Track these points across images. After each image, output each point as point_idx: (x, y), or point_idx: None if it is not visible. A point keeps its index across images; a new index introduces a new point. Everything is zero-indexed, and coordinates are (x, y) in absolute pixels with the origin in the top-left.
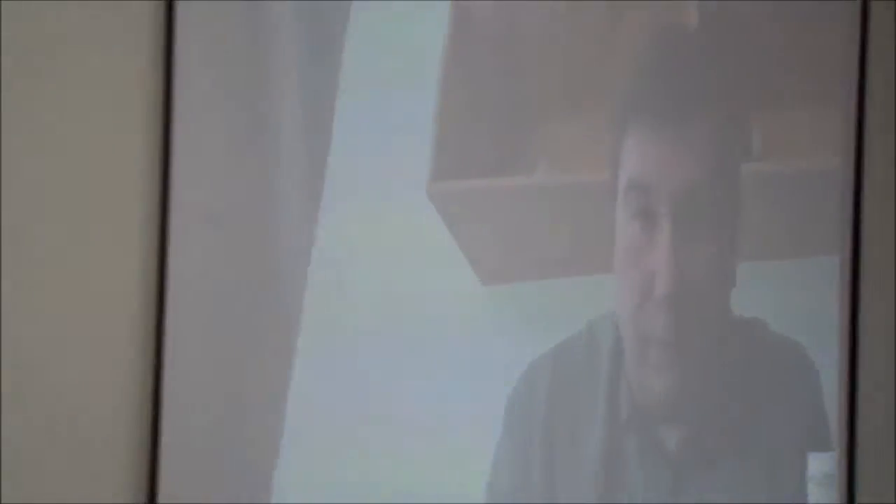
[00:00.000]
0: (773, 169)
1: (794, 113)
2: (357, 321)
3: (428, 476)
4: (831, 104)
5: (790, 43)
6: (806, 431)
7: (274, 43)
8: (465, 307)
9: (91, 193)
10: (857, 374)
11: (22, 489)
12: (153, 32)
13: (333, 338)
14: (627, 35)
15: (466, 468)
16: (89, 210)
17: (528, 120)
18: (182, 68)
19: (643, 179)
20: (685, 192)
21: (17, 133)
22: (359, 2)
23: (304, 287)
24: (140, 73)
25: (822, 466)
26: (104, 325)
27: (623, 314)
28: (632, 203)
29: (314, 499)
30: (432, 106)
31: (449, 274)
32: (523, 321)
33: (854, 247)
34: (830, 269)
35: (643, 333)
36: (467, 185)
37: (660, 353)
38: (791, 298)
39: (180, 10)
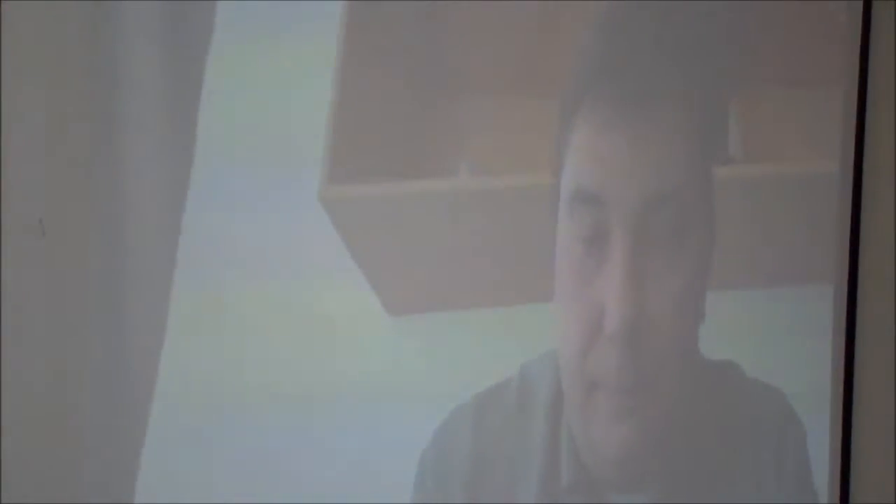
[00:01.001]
0: (755, 174)
1: (781, 103)
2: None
3: None
4: (827, 93)
5: (777, 17)
6: (792, 499)
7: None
8: (366, 343)
9: None
10: (852, 432)
11: None
12: None
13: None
14: (576, 4)
15: None
16: None
17: (446, 110)
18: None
19: (593, 188)
20: (646, 204)
21: None
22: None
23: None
24: None
25: None
26: None
27: (566, 354)
28: (578, 218)
29: None
30: (324, 94)
31: (345, 302)
32: (438, 362)
33: (851, 273)
34: (822, 300)
35: (590, 378)
36: (369, 191)
37: (611, 402)
38: (772, 337)
39: (5, 9)
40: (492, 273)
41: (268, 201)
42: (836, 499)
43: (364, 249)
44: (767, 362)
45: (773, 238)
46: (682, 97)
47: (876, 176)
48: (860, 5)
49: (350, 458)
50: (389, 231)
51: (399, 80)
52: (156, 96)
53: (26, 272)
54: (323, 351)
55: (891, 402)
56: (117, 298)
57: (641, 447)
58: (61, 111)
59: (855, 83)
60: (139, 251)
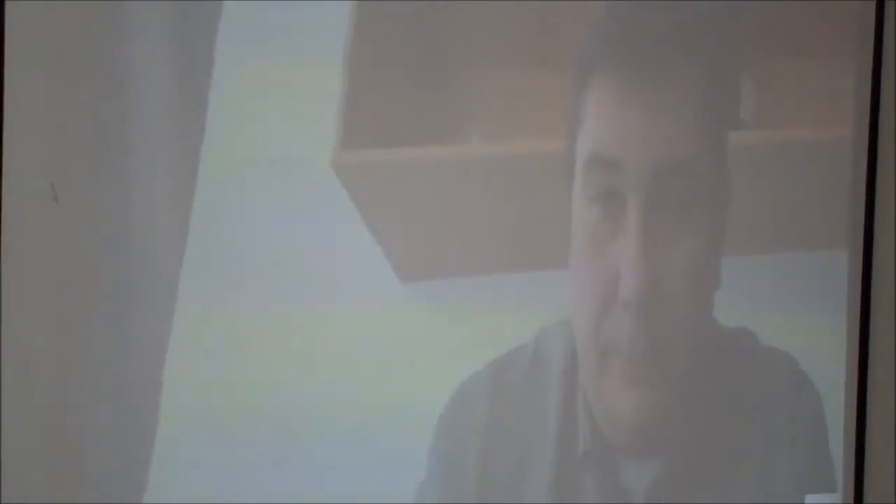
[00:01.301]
0: (769, 139)
1: (795, 68)
2: (242, 322)
3: None
4: (841, 58)
5: None
6: (805, 467)
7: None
8: (379, 310)
9: None
10: (868, 397)
11: None
12: None
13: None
14: None
15: None
16: None
17: (458, 74)
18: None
19: (607, 153)
20: (659, 169)
21: None
22: None
23: (177, 285)
24: None
25: None
26: None
27: (580, 321)
28: (593, 182)
29: None
30: (337, 60)
31: (358, 268)
32: (453, 329)
33: (867, 239)
34: (836, 266)
35: (605, 345)
36: (382, 156)
37: (626, 369)
38: (787, 303)
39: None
40: (505, 239)
41: (276, 203)
42: (852, 465)
43: (376, 216)
44: (782, 329)
45: (787, 204)
46: (696, 64)
47: (891, 140)
48: None
49: (365, 427)
50: (403, 197)
51: (411, 51)
52: (164, 96)
53: (30, 274)
54: (336, 319)
55: None
56: (123, 299)
57: (655, 413)
58: (66, 111)
59: (870, 51)
60: (146, 253)
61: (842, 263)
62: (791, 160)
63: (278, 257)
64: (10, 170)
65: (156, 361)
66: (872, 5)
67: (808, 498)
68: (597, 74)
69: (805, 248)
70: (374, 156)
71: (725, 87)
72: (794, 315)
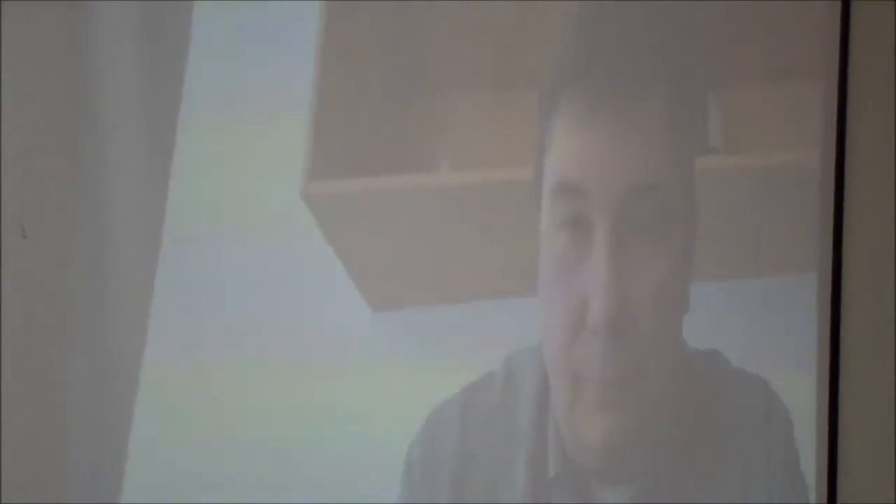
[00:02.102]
0: (736, 164)
1: (761, 92)
2: (213, 344)
3: None
4: (807, 84)
5: (757, 8)
6: (779, 489)
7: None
8: (350, 339)
9: None
10: (839, 418)
11: None
12: None
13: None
14: None
15: None
16: None
17: (424, 106)
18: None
19: (574, 179)
20: (627, 194)
21: None
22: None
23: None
24: None
25: None
26: None
27: (549, 347)
28: (560, 209)
29: None
30: (306, 90)
31: (329, 298)
32: (423, 356)
33: (835, 263)
34: (806, 289)
35: (576, 371)
36: (351, 186)
37: (597, 394)
38: (757, 326)
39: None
40: (474, 267)
41: (249, 199)
42: (825, 486)
43: (346, 245)
44: (752, 352)
45: (756, 228)
46: (662, 89)
47: (857, 165)
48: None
49: (337, 453)
50: (372, 226)
51: (377, 78)
52: (135, 101)
53: (6, 281)
54: (306, 348)
55: (877, 389)
56: (99, 305)
57: (627, 439)
58: (40, 117)
59: (835, 75)
60: (120, 257)
61: (811, 286)
62: (759, 184)
63: (250, 284)
64: None
65: (132, 366)
66: (838, 30)
67: None
68: (563, 99)
69: (774, 272)
70: (344, 186)
71: (692, 111)
72: (763, 338)
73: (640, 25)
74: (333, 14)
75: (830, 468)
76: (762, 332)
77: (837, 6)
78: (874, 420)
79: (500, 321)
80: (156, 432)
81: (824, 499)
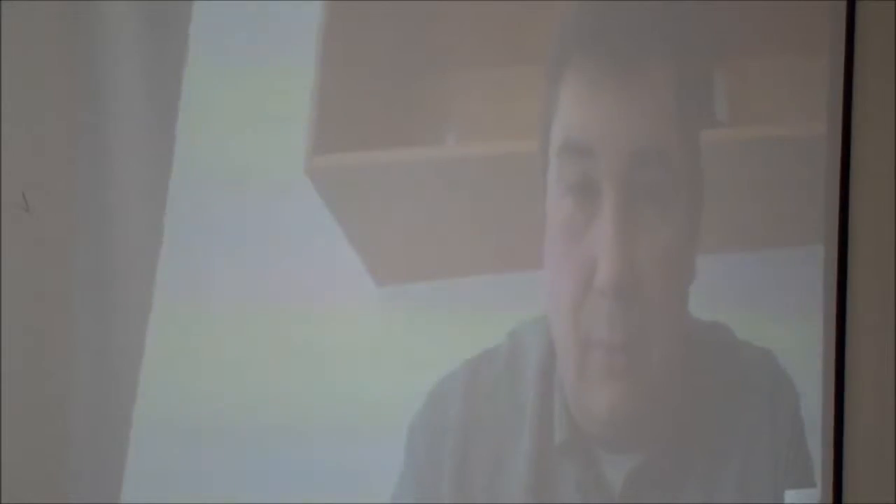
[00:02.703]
0: (743, 136)
1: (768, 65)
2: (218, 326)
3: None
4: (813, 56)
5: None
6: (782, 461)
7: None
8: (355, 313)
9: None
10: (845, 389)
11: None
12: None
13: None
14: None
15: None
16: None
17: (432, 74)
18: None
19: (582, 140)
20: (634, 159)
21: None
22: None
23: (153, 288)
24: None
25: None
26: None
27: (556, 313)
28: (567, 170)
29: None
30: (308, 63)
31: (333, 271)
32: (428, 330)
33: (841, 234)
34: (812, 261)
35: (583, 335)
36: (355, 160)
37: (604, 362)
38: (763, 298)
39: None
40: (481, 241)
41: (250, 208)
42: (830, 459)
43: (351, 219)
44: (758, 324)
45: (763, 200)
46: (669, 59)
47: (863, 137)
48: None
49: (342, 426)
50: (377, 201)
51: (382, 52)
52: (136, 98)
53: (7, 274)
54: (312, 324)
55: (882, 361)
56: (100, 298)
57: (632, 406)
58: (41, 115)
59: (841, 47)
60: (122, 251)
61: (817, 259)
62: (765, 157)
63: (253, 262)
64: None
65: (132, 364)
66: (844, 3)
67: (788, 495)
68: (571, 67)
69: (781, 244)
70: (348, 160)
71: (699, 83)
72: (770, 311)
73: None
74: None
75: (836, 441)
76: (768, 304)
77: None
78: (880, 394)
79: (505, 295)
80: (156, 432)
81: (831, 475)
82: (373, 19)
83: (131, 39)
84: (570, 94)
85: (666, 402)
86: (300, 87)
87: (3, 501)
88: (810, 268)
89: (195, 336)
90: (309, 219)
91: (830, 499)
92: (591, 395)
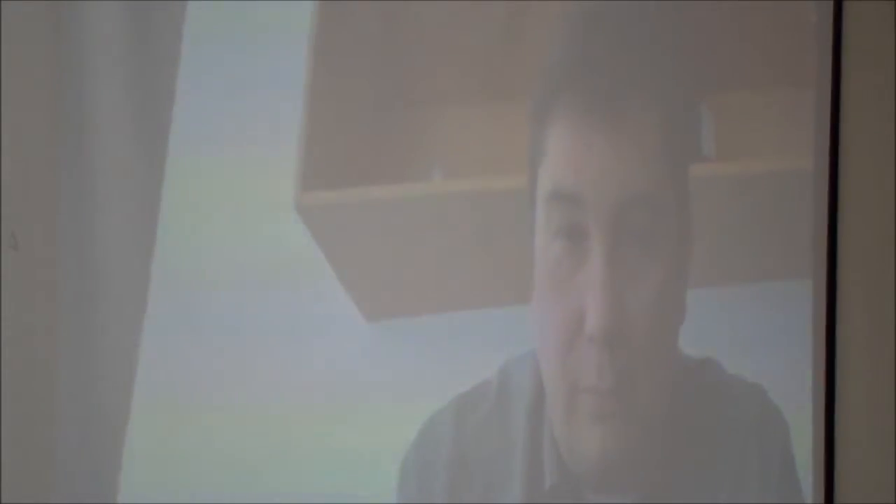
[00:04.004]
0: (730, 171)
1: (754, 99)
2: (205, 362)
3: None
4: (799, 91)
5: (749, 16)
6: (773, 495)
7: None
8: (343, 349)
9: None
10: (835, 427)
11: None
12: None
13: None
14: (544, 5)
15: None
16: None
17: (419, 112)
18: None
19: (570, 188)
20: (623, 204)
21: None
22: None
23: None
24: None
25: None
26: None
27: (545, 356)
28: (555, 216)
29: None
30: (297, 100)
31: (322, 307)
32: (417, 366)
33: (830, 268)
34: (800, 295)
35: (571, 381)
36: (344, 196)
37: (593, 403)
38: (752, 334)
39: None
40: (468, 276)
41: (243, 207)
42: (821, 495)
43: (340, 255)
44: (748, 359)
45: (751, 235)
46: (655, 96)
47: (851, 170)
48: (831, 5)
49: (332, 464)
50: (366, 236)
51: (369, 88)
52: (127, 102)
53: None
54: (301, 358)
55: (872, 395)
56: (92, 304)
57: (623, 448)
58: (32, 118)
59: (828, 81)
60: (112, 256)
61: (806, 293)
62: (753, 191)
63: (242, 296)
64: None
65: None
66: (829, 35)
67: None
68: (556, 108)
69: (769, 279)
70: (337, 196)
71: (685, 120)
72: (759, 345)
73: (631, 33)
74: (324, 24)
75: (827, 475)
76: (758, 338)
77: (829, 11)
78: (870, 426)
79: (494, 330)
80: (153, 432)
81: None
82: (360, 55)
83: (123, 46)
84: (556, 138)
85: (656, 442)
86: (290, 122)
87: (2, 502)
88: (799, 301)
89: (181, 374)
90: (297, 253)
91: None
92: (581, 437)
